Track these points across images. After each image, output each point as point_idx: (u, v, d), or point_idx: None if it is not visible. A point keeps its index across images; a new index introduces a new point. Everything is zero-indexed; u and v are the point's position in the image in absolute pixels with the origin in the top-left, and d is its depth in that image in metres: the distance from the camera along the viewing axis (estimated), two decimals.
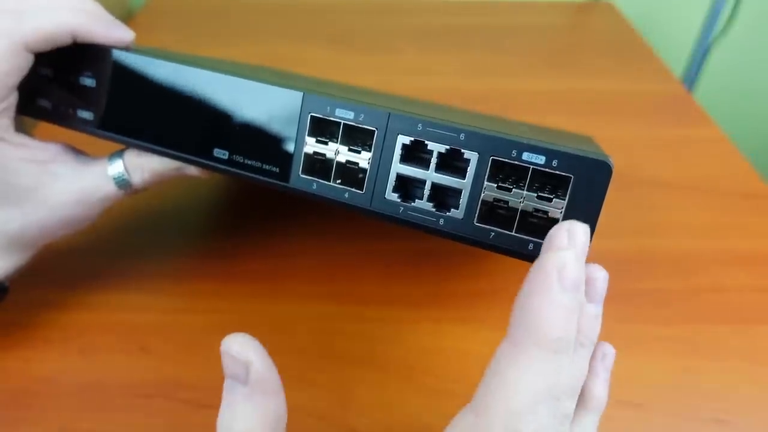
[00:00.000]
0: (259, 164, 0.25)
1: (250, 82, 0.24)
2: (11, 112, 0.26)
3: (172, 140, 0.26)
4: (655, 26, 0.89)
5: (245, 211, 0.42)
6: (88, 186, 0.28)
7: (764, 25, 0.93)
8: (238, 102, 0.24)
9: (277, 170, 0.24)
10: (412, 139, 0.21)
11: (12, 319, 0.33)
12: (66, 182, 0.28)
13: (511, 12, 0.81)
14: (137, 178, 0.29)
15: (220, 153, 0.25)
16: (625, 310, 0.35)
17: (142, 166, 0.29)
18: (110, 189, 0.29)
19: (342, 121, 0.22)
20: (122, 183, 0.29)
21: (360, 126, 0.22)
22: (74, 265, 0.37)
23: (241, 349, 0.17)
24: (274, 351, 0.32)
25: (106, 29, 0.26)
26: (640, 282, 0.37)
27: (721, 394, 0.30)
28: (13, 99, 0.26)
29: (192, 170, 0.29)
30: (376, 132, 0.22)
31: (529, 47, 0.71)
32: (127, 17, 0.78)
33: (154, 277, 0.36)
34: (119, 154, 0.29)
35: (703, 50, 0.83)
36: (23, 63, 0.25)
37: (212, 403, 0.29)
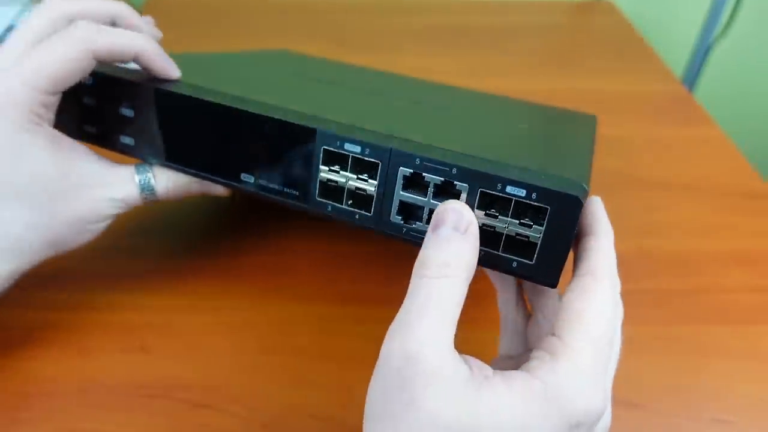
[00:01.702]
0: (281, 188, 0.27)
1: (271, 117, 0.26)
2: (55, 108, 0.28)
3: (205, 165, 0.29)
4: (655, 26, 0.89)
5: (245, 211, 0.42)
6: (111, 184, 0.30)
7: (765, 26, 0.93)
8: (261, 134, 0.27)
9: (297, 193, 0.27)
10: (412, 171, 0.24)
11: (11, 318, 0.33)
12: (90, 179, 0.29)
13: (511, 12, 0.81)
14: (161, 186, 0.30)
15: (247, 177, 0.28)
16: (625, 310, 0.35)
17: (169, 176, 0.31)
18: (132, 191, 0.30)
19: (350, 154, 0.25)
20: (146, 187, 0.30)
21: (366, 159, 0.24)
22: (73, 264, 0.37)
23: (466, 211, 0.22)
24: (274, 351, 0.32)
25: (164, 62, 0.29)
26: (640, 282, 0.37)
27: (722, 395, 0.30)
28: (59, 96, 0.28)
29: (218, 189, 0.32)
30: (380, 164, 0.24)
31: (529, 47, 0.71)
32: None
33: (154, 277, 0.36)
34: (148, 167, 0.31)
35: (704, 50, 0.83)
36: (87, 67, 0.27)
37: (212, 403, 0.29)
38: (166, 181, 0.31)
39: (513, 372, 0.20)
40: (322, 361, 0.32)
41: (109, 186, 0.30)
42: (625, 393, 0.30)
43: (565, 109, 0.43)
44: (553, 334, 0.21)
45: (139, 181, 0.30)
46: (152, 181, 0.30)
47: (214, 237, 0.40)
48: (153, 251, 0.38)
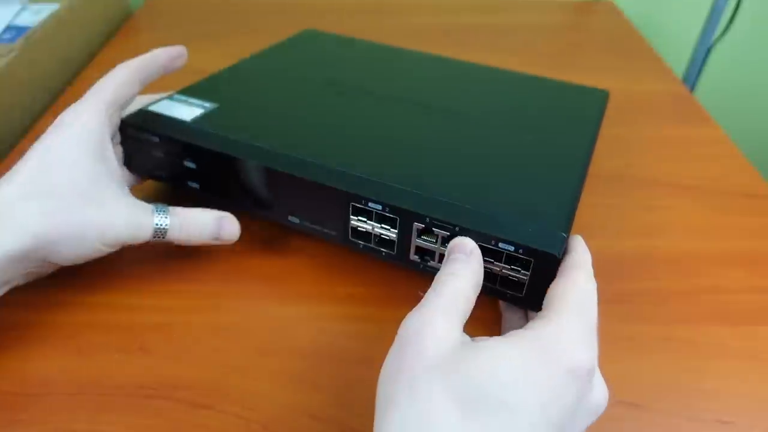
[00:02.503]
0: (321, 228, 0.34)
1: (307, 179, 0.32)
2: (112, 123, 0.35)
3: (258, 207, 0.35)
4: (655, 26, 0.89)
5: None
6: (131, 208, 0.32)
7: (765, 26, 0.93)
8: (301, 189, 0.33)
9: (335, 234, 0.34)
10: (423, 226, 0.30)
11: (10, 318, 0.33)
12: (115, 197, 0.32)
13: (511, 12, 0.81)
14: (174, 229, 0.33)
15: (293, 219, 0.35)
16: (625, 310, 0.35)
17: (182, 222, 0.33)
18: (147, 222, 0.32)
19: (374, 210, 0.31)
20: (160, 225, 0.33)
21: (386, 214, 0.31)
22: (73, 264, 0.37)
23: (470, 243, 0.27)
24: (274, 351, 0.32)
25: (167, 53, 0.37)
26: (640, 282, 0.37)
27: (722, 395, 0.30)
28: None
29: (226, 236, 0.35)
30: (398, 219, 0.31)
31: (529, 47, 0.71)
32: (126, 16, 0.78)
33: (154, 277, 0.36)
34: (166, 209, 0.33)
35: (705, 50, 0.83)
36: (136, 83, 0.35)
37: (212, 404, 0.29)
38: (179, 225, 0.33)
39: (508, 333, 0.23)
40: (322, 361, 0.32)
41: (128, 209, 0.32)
42: (625, 393, 0.30)
43: (577, 87, 0.47)
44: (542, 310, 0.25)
45: (155, 218, 0.33)
46: (166, 223, 0.33)
47: None
48: (153, 251, 0.38)
